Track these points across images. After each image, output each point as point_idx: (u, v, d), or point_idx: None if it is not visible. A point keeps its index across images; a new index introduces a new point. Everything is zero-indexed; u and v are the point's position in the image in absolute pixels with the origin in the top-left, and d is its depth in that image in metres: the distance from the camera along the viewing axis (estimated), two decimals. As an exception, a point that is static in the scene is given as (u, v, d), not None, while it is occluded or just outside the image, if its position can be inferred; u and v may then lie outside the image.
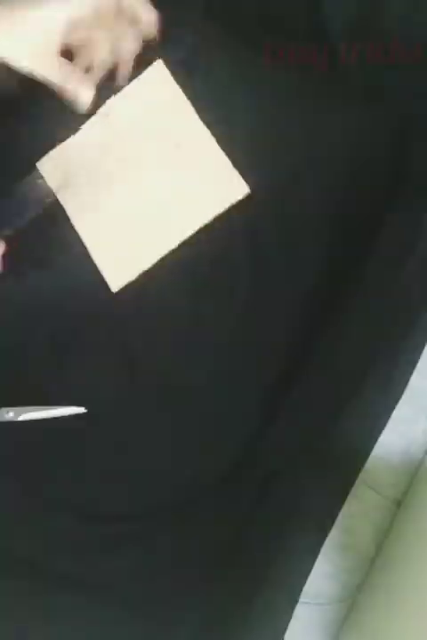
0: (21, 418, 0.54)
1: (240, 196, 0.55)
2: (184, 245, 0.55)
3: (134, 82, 0.58)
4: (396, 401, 0.52)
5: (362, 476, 0.52)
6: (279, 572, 0.49)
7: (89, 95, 0.52)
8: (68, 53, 0.52)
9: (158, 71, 0.58)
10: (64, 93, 0.51)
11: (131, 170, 0.58)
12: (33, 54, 0.49)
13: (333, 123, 0.57)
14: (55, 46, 0.50)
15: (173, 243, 0.56)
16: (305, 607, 0.53)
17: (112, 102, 0.58)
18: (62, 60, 0.51)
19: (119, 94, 0.58)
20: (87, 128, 0.58)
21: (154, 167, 0.57)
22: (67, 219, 0.57)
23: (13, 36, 0.49)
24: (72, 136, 0.58)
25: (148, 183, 0.57)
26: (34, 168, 0.57)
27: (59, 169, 0.58)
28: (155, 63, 0.58)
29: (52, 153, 0.58)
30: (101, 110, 0.57)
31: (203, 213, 0.56)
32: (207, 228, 0.55)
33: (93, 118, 0.58)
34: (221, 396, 0.54)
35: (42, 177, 0.57)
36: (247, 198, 0.56)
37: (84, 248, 0.57)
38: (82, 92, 0.51)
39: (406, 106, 0.56)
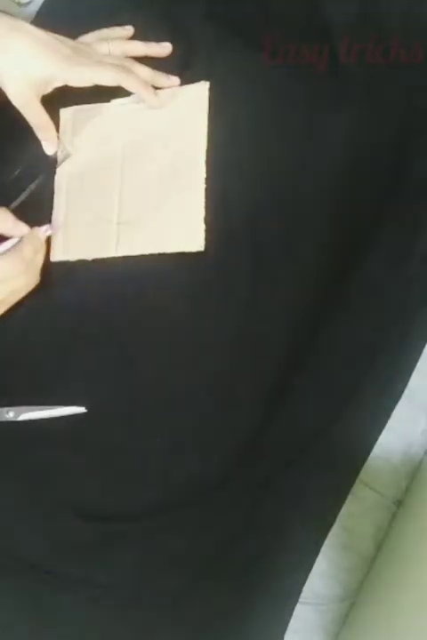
0: (21, 418, 0.54)
1: (193, 249, 0.55)
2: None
3: (174, 89, 0.58)
4: (396, 401, 0.52)
5: (362, 476, 0.52)
6: (279, 571, 0.49)
7: (52, 150, 0.59)
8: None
9: (198, 92, 0.58)
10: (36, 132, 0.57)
11: (123, 165, 0.58)
12: (18, 88, 0.54)
13: (333, 123, 0.57)
14: (40, 94, 0.56)
15: (118, 252, 0.56)
16: (305, 607, 0.53)
17: None
18: (41, 108, 0.56)
19: (157, 91, 0.58)
20: (116, 105, 0.59)
21: (143, 175, 0.57)
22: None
23: (15, 73, 0.53)
24: (100, 103, 0.60)
25: (128, 186, 0.57)
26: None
27: (74, 125, 0.60)
28: (200, 83, 0.58)
29: (76, 107, 0.60)
30: (135, 97, 0.58)
31: (155, 243, 0.56)
32: (207, 226, 0.55)
33: (126, 99, 0.59)
34: (221, 396, 0.54)
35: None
36: (248, 198, 0.56)
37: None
38: (45, 145, 0.59)
39: (407, 106, 0.56)
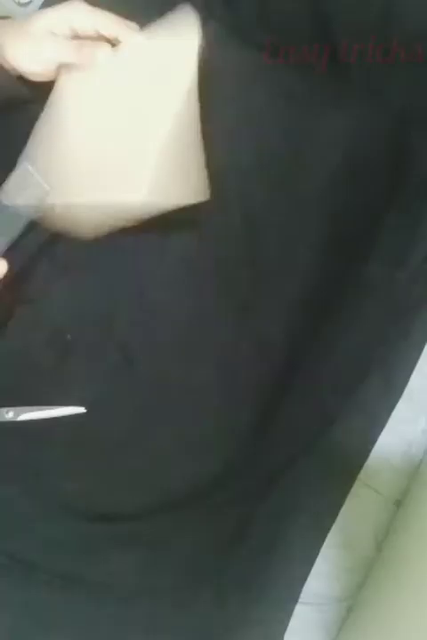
0: (21, 418, 0.54)
1: (134, 200, 0.50)
2: (184, 245, 0.55)
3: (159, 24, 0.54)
4: (396, 401, 0.52)
5: (362, 476, 0.52)
6: (279, 571, 0.49)
7: (106, 50, 0.52)
8: None
9: (185, 17, 0.54)
10: (83, 60, 0.52)
11: (105, 113, 0.54)
12: (42, 51, 0.52)
13: (333, 123, 0.57)
14: (64, 35, 0.52)
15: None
16: (305, 607, 0.53)
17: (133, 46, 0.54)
18: (69, 39, 0.52)
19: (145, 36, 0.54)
20: (108, 57, 0.54)
21: (115, 122, 0.53)
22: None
23: (23, 46, 0.51)
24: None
25: (99, 133, 0.53)
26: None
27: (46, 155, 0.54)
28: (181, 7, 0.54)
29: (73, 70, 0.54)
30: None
31: (95, 190, 0.52)
32: (207, 226, 0.55)
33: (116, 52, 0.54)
34: (221, 396, 0.54)
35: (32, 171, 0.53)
36: (248, 198, 0.56)
37: (86, 249, 0.57)
38: (98, 51, 0.52)
39: (406, 106, 0.56)
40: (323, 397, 0.52)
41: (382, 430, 0.52)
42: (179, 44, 0.55)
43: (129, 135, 0.53)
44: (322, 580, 0.54)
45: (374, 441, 0.52)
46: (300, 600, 0.49)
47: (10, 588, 0.50)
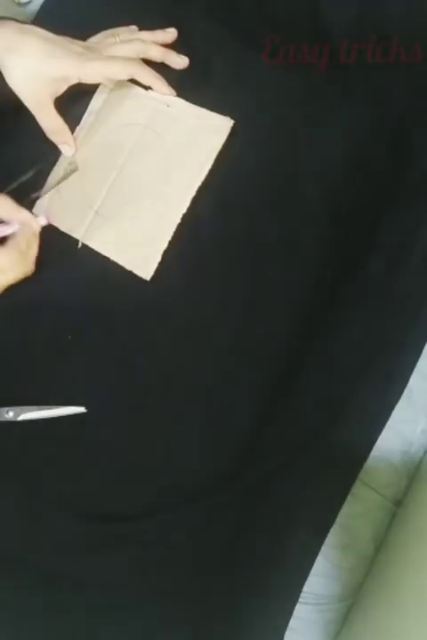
0: (21, 418, 0.54)
1: (141, 275, 0.55)
2: (184, 245, 0.55)
3: (201, 110, 0.57)
4: (396, 401, 0.52)
5: (362, 475, 0.52)
6: (279, 571, 0.49)
7: (70, 152, 0.58)
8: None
9: (220, 126, 0.56)
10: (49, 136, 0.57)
11: (125, 160, 0.58)
12: (33, 89, 0.54)
13: (333, 123, 0.57)
14: (54, 95, 0.55)
15: (83, 239, 0.56)
16: (305, 607, 0.53)
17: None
18: (54, 111, 0.56)
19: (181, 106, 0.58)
20: (148, 96, 0.59)
21: (136, 180, 0.57)
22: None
23: (28, 73, 0.54)
24: (138, 88, 0.59)
25: (120, 183, 0.57)
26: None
27: (105, 104, 0.59)
28: (226, 118, 0.56)
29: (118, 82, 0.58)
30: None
31: (114, 250, 0.56)
32: (208, 226, 0.55)
33: (159, 96, 0.58)
34: (221, 396, 0.54)
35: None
36: (248, 198, 0.56)
37: (86, 248, 0.57)
38: (63, 148, 0.58)
39: (406, 106, 0.56)
40: (323, 397, 0.52)
41: (382, 430, 0.52)
42: (208, 130, 0.57)
43: (150, 202, 0.56)
44: (322, 580, 0.54)
45: (374, 441, 0.52)
46: (300, 600, 0.49)
47: (10, 588, 0.50)
